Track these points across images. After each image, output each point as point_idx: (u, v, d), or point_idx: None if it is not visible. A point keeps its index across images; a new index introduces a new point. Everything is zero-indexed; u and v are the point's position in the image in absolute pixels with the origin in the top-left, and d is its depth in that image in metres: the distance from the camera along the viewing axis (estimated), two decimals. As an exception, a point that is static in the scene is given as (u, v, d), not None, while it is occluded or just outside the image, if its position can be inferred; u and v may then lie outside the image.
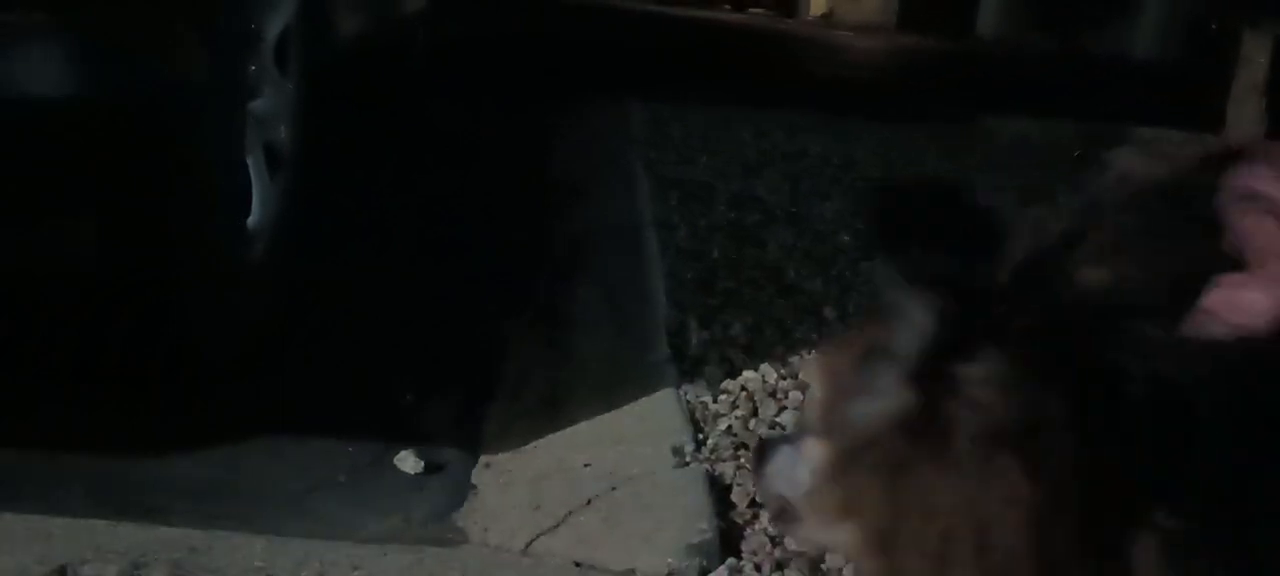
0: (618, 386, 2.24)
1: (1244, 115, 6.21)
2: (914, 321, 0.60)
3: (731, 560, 1.69)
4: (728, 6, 17.08)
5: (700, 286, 2.89)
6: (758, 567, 1.69)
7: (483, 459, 2.01)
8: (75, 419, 1.97)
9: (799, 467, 0.71)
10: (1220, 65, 6.57)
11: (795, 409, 2.18)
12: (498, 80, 6.14)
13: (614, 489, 1.85)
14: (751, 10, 16.76)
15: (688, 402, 2.16)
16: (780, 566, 1.69)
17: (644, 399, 2.16)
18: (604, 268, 3.03)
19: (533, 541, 1.73)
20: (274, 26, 2.34)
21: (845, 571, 1.68)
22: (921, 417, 0.61)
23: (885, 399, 0.62)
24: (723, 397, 2.21)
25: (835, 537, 0.68)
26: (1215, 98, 6.43)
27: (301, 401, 2.16)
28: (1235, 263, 0.59)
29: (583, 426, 2.11)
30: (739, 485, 1.88)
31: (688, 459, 1.92)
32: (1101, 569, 0.59)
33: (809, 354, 2.44)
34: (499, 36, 7.68)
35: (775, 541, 1.74)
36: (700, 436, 2.03)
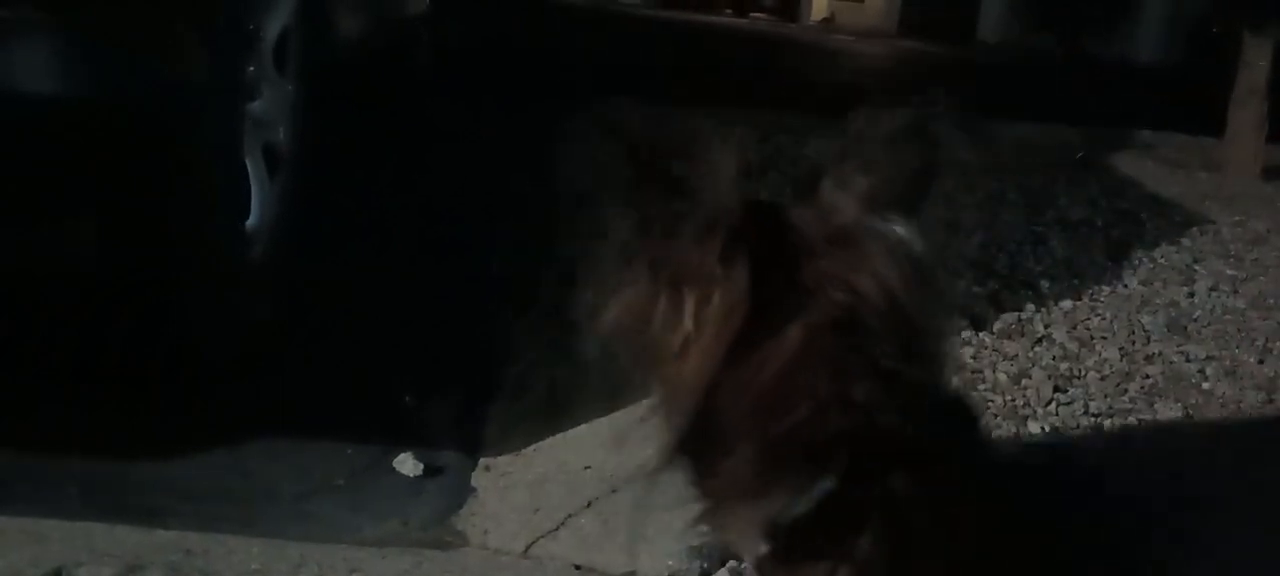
0: (618, 388, 2.22)
1: (1245, 118, 6.21)
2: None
3: (732, 562, 1.68)
4: (730, 12, 17.13)
5: (701, 289, 2.87)
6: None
7: (482, 461, 2.00)
8: (73, 419, 1.96)
9: None
10: (1222, 68, 6.57)
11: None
12: (501, 82, 6.14)
13: (614, 491, 1.84)
14: (754, 15, 16.82)
15: (689, 405, 2.15)
16: (782, 569, 1.68)
17: (644, 401, 2.14)
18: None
19: (532, 544, 1.72)
20: (273, 28, 2.34)
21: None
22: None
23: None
24: (724, 400, 2.20)
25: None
26: (1217, 101, 6.42)
27: (301, 403, 2.15)
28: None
29: (583, 429, 2.09)
30: (740, 487, 1.87)
31: (689, 461, 1.91)
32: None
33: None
34: (503, 41, 7.68)
35: (777, 544, 1.73)
36: (701, 438, 2.02)
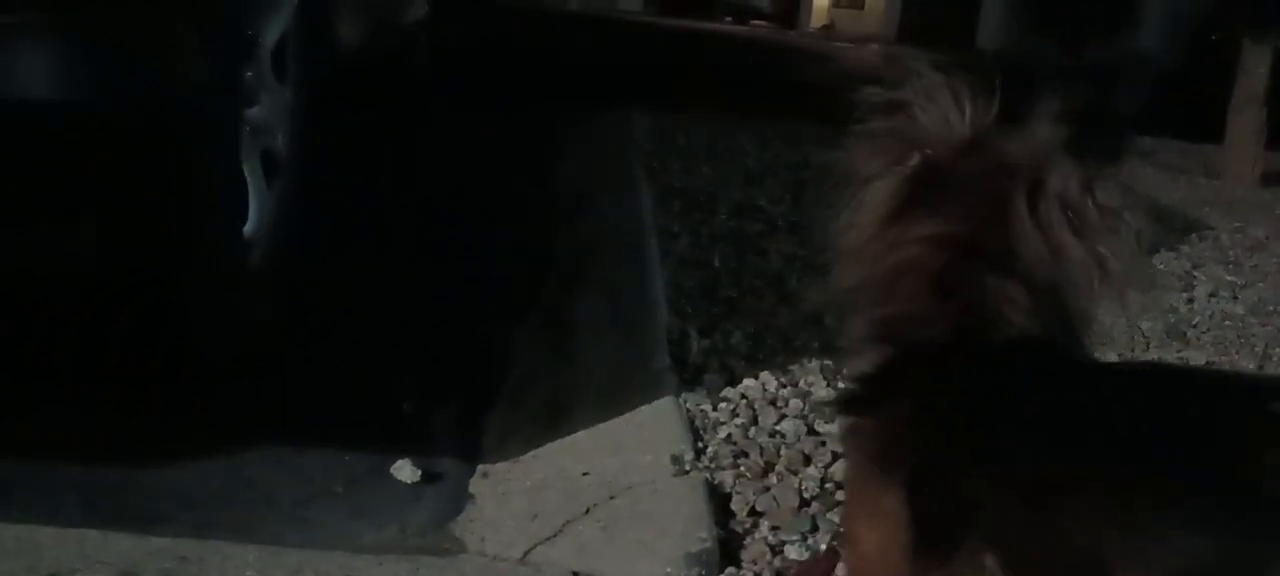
0: (618, 394, 2.22)
1: (1244, 125, 6.21)
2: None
3: (731, 569, 1.67)
4: (729, 19, 17.15)
5: (702, 295, 2.87)
6: (758, 577, 1.67)
7: (481, 468, 1.99)
8: (70, 424, 1.95)
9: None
10: (1221, 75, 6.56)
11: (796, 416, 2.16)
12: (501, 88, 6.13)
13: (613, 498, 1.83)
14: (754, 22, 16.83)
15: (688, 411, 2.14)
16: (779, 575, 1.67)
17: (644, 407, 2.14)
18: (606, 276, 3.01)
19: (530, 550, 1.71)
20: (272, 33, 2.33)
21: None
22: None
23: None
24: (723, 405, 2.19)
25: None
26: (1216, 107, 6.42)
27: (299, 408, 2.14)
28: None
29: (582, 435, 2.09)
30: (738, 493, 1.86)
31: (687, 467, 1.90)
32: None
33: (811, 359, 2.42)
34: (503, 46, 7.67)
35: (775, 550, 1.72)
36: (700, 444, 2.01)
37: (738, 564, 1.69)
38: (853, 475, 1.10)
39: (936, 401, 0.95)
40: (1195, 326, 3.18)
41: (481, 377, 2.38)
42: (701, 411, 2.16)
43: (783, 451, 2.01)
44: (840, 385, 1.09)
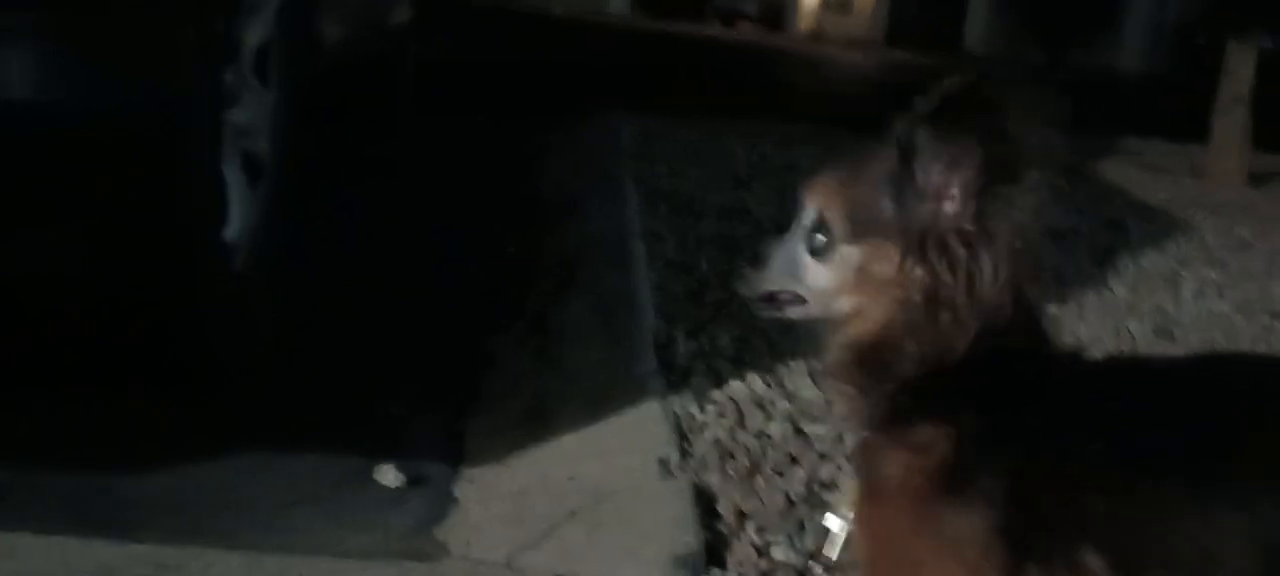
0: (604, 398, 2.21)
1: (1229, 126, 6.24)
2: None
3: (716, 571, 1.66)
4: (717, 22, 17.19)
5: (688, 298, 2.86)
6: (744, 579, 1.66)
7: (465, 472, 1.98)
8: (50, 431, 1.94)
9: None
10: (1205, 77, 6.60)
11: (782, 418, 2.15)
12: (487, 92, 6.13)
13: (598, 501, 1.82)
14: (741, 25, 16.86)
15: (674, 413, 2.14)
16: (766, 577, 1.66)
17: (630, 410, 2.13)
18: (592, 279, 3.01)
19: (515, 555, 1.70)
20: (254, 36, 2.32)
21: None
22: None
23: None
24: (710, 408, 2.19)
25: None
26: (1201, 108, 6.46)
27: (282, 414, 2.13)
28: None
29: (567, 438, 2.08)
30: (724, 495, 1.85)
31: (673, 470, 1.89)
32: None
33: (795, 361, 2.41)
34: (490, 51, 7.67)
35: (761, 552, 1.72)
36: (686, 447, 2.00)
37: (723, 566, 1.68)
38: (910, 500, 1.04)
39: (991, 414, 0.95)
40: (1182, 325, 3.19)
41: (466, 381, 2.37)
42: (688, 414, 2.15)
43: (769, 453, 2.00)
44: (873, 410, 1.07)
